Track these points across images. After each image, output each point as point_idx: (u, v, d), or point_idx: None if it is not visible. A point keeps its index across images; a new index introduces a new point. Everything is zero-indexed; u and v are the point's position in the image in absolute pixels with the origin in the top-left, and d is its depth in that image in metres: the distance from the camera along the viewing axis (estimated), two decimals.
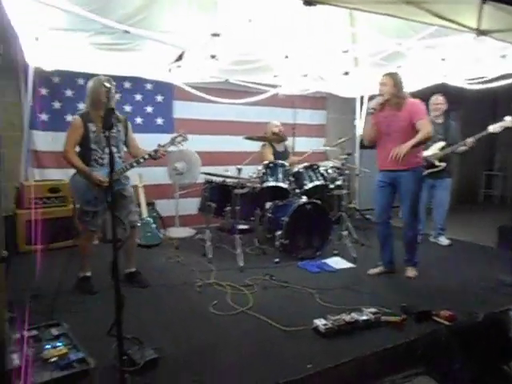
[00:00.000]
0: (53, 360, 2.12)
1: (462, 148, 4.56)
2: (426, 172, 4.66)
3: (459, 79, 4.89)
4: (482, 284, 3.48)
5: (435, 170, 4.63)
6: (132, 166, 3.23)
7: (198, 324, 2.73)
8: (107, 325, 1.97)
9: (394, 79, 3.42)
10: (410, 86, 5.22)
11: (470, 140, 4.49)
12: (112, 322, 1.95)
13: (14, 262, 3.18)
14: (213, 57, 3.68)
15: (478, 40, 3.11)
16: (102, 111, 3.05)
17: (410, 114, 3.38)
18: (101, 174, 3.05)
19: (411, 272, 3.69)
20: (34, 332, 2.38)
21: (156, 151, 3.23)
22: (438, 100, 4.71)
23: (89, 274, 3.32)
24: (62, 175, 4.85)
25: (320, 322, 2.58)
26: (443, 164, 4.64)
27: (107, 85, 2.05)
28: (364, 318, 2.67)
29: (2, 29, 2.51)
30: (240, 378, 2.08)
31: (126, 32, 3.46)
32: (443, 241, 4.91)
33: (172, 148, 3.50)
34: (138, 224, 3.50)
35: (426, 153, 4.65)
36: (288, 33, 3.66)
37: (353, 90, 5.94)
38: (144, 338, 2.36)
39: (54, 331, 2.42)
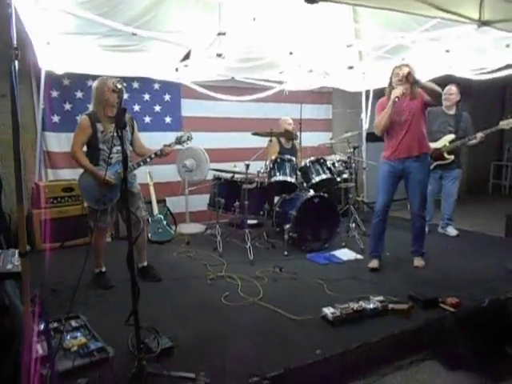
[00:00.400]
0: (74, 349, 2.25)
1: (472, 142, 4.56)
2: (434, 164, 4.71)
3: (464, 70, 4.91)
4: (490, 272, 3.53)
5: (444, 162, 4.66)
6: (139, 165, 3.32)
7: (211, 314, 2.83)
8: (123, 316, 2.07)
9: (412, 70, 3.42)
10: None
11: (479, 134, 4.48)
12: (129, 312, 2.04)
13: (31, 260, 3.30)
14: (219, 55, 3.74)
15: (481, 30, 3.15)
16: (110, 111, 3.19)
17: (421, 100, 3.47)
18: (107, 174, 3.11)
19: (419, 262, 3.75)
20: (55, 324, 2.50)
21: (161, 150, 3.31)
22: (451, 90, 4.67)
23: (104, 269, 3.43)
24: (74, 175, 4.94)
25: (328, 311, 2.66)
26: (452, 157, 4.66)
27: (118, 86, 2.13)
28: (371, 306, 2.74)
29: (19, 35, 2.59)
30: (251, 363, 2.16)
31: (134, 34, 3.57)
32: (451, 231, 4.94)
33: (178, 146, 3.58)
34: (148, 219, 3.59)
35: (436, 145, 4.69)
36: (292, 29, 3.72)
37: (358, 84, 5.98)
38: (159, 328, 2.45)
39: (74, 323, 2.56)
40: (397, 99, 3.36)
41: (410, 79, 3.34)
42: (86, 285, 3.28)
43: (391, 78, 3.52)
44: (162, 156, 3.37)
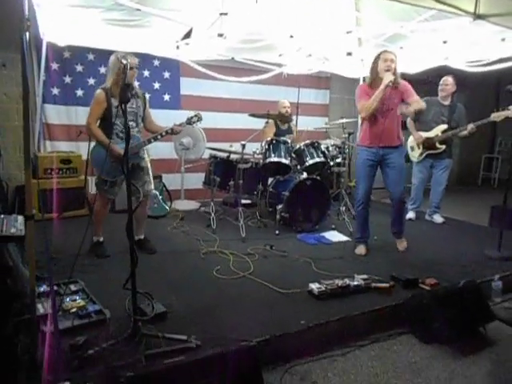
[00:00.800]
0: (73, 311, 2.39)
1: (464, 133, 4.66)
2: (426, 153, 4.85)
3: (460, 62, 5.00)
4: (469, 258, 3.70)
5: (435, 151, 4.79)
6: (150, 142, 3.40)
7: (203, 285, 2.97)
8: (119, 283, 2.22)
9: (396, 57, 3.51)
10: (411, 67, 5.39)
11: (470, 126, 4.58)
12: (125, 279, 2.18)
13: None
14: (220, 35, 3.79)
15: (477, 23, 3.25)
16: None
17: (404, 94, 3.54)
18: (120, 148, 3.20)
19: (402, 244, 3.89)
20: (55, 288, 2.63)
21: (172, 129, 3.40)
22: (447, 81, 4.77)
23: (102, 239, 3.55)
24: (72, 147, 5.07)
25: (314, 286, 2.81)
26: (443, 146, 4.79)
27: (123, 61, 2.21)
28: (355, 283, 2.90)
29: (30, 6, 2.63)
30: (240, 330, 2.31)
31: (137, 10, 3.61)
32: (437, 219, 5.11)
33: (188, 126, 3.67)
34: (152, 192, 3.71)
35: (428, 134, 4.82)
36: (294, 13, 3.77)
37: (356, 70, 6.04)
38: (153, 296, 2.59)
39: (73, 287, 2.69)
40: (391, 84, 3.38)
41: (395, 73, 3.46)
42: (84, 254, 3.39)
43: (376, 63, 3.53)
44: (172, 134, 3.48)
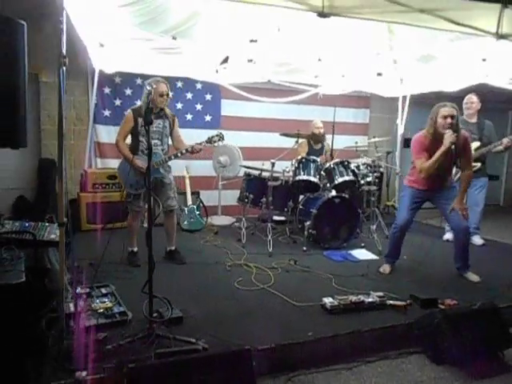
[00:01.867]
0: (100, 311, 2.64)
1: (499, 148, 4.56)
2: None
3: (501, 79, 4.87)
4: (502, 281, 3.56)
5: None
6: (170, 159, 3.69)
7: (222, 295, 3.14)
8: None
9: (457, 111, 3.37)
10: (449, 85, 5.32)
11: (505, 140, 4.49)
12: (146, 281, 2.40)
13: (77, 238, 3.77)
14: (250, 61, 4.04)
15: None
16: (154, 109, 3.58)
17: (463, 148, 3.41)
18: (141, 161, 3.52)
19: (473, 276, 3.66)
20: (88, 290, 2.92)
21: (192, 147, 3.64)
22: (472, 99, 4.75)
23: (135, 249, 3.85)
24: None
25: (327, 300, 2.88)
26: (478, 164, 4.67)
27: (148, 88, 2.49)
28: (370, 300, 2.93)
29: (71, 43, 3.02)
30: (247, 337, 2.42)
31: (174, 38, 3.95)
32: (477, 241, 4.93)
33: (208, 145, 3.89)
34: (181, 208, 3.96)
35: None
36: (320, 37, 3.92)
37: (394, 89, 6.05)
38: (173, 302, 2.76)
39: (103, 290, 2.96)
40: (453, 146, 3.24)
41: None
42: (119, 262, 3.70)
43: (435, 118, 3.37)
44: (192, 153, 3.70)
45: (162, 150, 3.71)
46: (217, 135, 3.74)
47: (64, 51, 2.11)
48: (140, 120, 3.57)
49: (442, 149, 3.27)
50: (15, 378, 1.83)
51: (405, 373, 2.44)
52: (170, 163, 3.79)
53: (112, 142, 5.54)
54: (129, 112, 3.70)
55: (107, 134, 5.54)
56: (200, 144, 3.69)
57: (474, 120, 4.76)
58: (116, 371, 1.99)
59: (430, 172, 3.39)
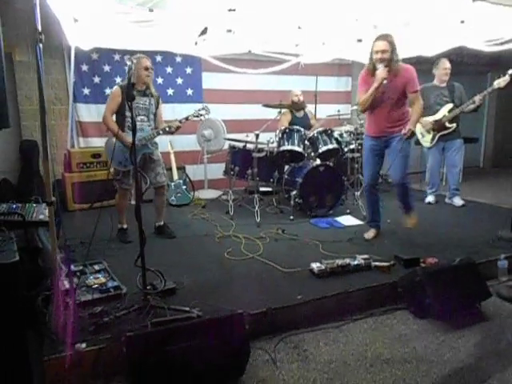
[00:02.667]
0: (94, 286, 2.70)
1: (471, 106, 4.71)
2: (437, 135, 4.87)
3: (477, 41, 4.92)
4: (480, 239, 3.73)
5: (447, 131, 4.81)
6: (159, 133, 3.71)
7: (213, 265, 3.22)
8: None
9: (391, 43, 3.32)
10: (429, 49, 5.34)
11: (477, 97, 4.63)
12: (137, 255, 2.46)
13: (64, 218, 3.78)
14: (229, 31, 3.99)
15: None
16: (140, 85, 3.62)
17: (406, 82, 3.38)
18: (129, 137, 3.49)
19: (411, 220, 3.73)
20: (81, 267, 2.97)
21: (170, 127, 3.70)
22: (447, 64, 4.85)
23: (125, 226, 3.89)
24: (103, 143, 5.43)
25: (315, 265, 2.99)
26: (454, 125, 4.83)
27: (128, 62, 2.47)
28: (356, 262, 3.05)
29: (48, 17, 2.94)
30: (240, 303, 2.51)
31: (151, 10, 3.87)
32: (457, 201, 5.09)
33: (196, 119, 3.92)
34: (168, 184, 3.99)
35: (436, 116, 4.87)
36: (298, 5, 3.88)
37: None
38: (166, 274, 2.84)
39: (96, 267, 3.03)
40: (385, 81, 3.28)
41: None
42: (110, 239, 3.73)
43: (372, 53, 3.39)
44: (172, 131, 3.76)
45: (149, 126, 3.71)
46: (203, 108, 3.78)
47: (39, 27, 2.07)
48: None
49: (375, 84, 3.31)
50: (18, 350, 1.89)
51: (390, 328, 2.59)
52: (156, 139, 3.79)
53: (93, 121, 5.51)
54: (116, 88, 3.67)
55: (88, 113, 5.46)
56: (187, 119, 3.72)
57: (444, 84, 4.90)
58: (114, 341, 2.07)
59: (365, 106, 3.46)
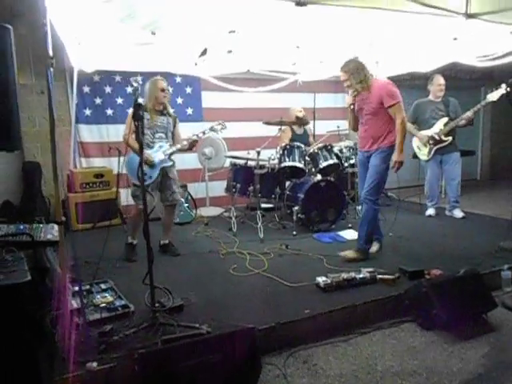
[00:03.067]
0: (102, 305, 2.71)
1: (464, 121, 4.83)
2: (434, 149, 4.96)
3: (470, 57, 5.04)
4: (482, 250, 3.76)
5: (443, 144, 4.91)
6: (177, 149, 3.81)
7: (219, 282, 3.24)
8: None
9: (348, 71, 3.54)
10: (422, 66, 5.47)
11: (468, 114, 4.78)
12: (146, 273, 2.48)
13: (68, 238, 3.80)
14: (229, 52, 4.09)
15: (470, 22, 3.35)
16: (157, 105, 3.76)
17: (379, 98, 3.42)
18: (149, 154, 3.64)
19: (349, 254, 3.65)
20: (88, 287, 2.98)
21: (197, 136, 3.88)
22: (441, 81, 4.99)
23: (135, 242, 3.88)
24: (104, 163, 5.51)
25: (321, 279, 3.01)
26: (450, 138, 4.93)
27: (134, 84, 2.54)
28: (361, 276, 3.07)
29: (53, 39, 3.02)
30: (248, 319, 2.52)
31: (153, 33, 3.97)
32: (457, 213, 5.14)
33: (210, 134, 4.00)
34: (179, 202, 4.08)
35: (432, 130, 4.97)
36: (297, 24, 3.98)
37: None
38: (173, 291, 2.85)
39: (103, 286, 3.03)
40: (352, 106, 3.63)
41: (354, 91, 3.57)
42: (115, 258, 3.73)
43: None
44: (190, 147, 3.91)
45: (167, 143, 3.82)
46: (219, 123, 3.94)
47: (51, 52, 2.14)
48: (145, 114, 3.62)
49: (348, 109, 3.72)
50: (30, 370, 1.89)
51: (398, 340, 2.60)
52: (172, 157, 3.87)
53: (95, 141, 5.58)
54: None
55: (90, 133, 5.53)
56: (203, 133, 3.88)
57: (439, 99, 5.04)
58: (127, 359, 2.08)
59: (350, 126, 3.87)
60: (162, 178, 3.81)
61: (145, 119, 3.61)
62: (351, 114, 3.76)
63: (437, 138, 4.90)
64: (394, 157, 3.47)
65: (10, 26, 1.88)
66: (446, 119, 4.92)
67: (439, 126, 4.94)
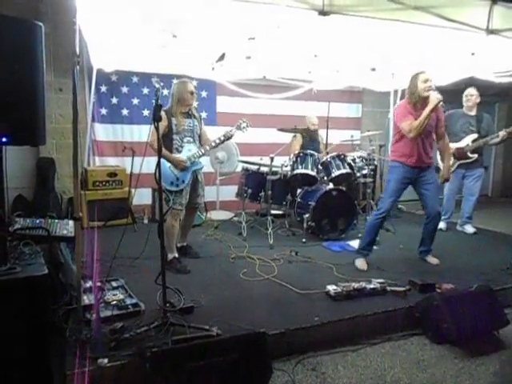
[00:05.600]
0: (113, 303, 2.72)
1: (495, 140, 4.74)
2: (457, 163, 4.91)
3: (487, 73, 5.03)
4: (494, 266, 3.73)
5: (467, 161, 4.85)
6: (206, 150, 3.72)
7: (229, 286, 3.24)
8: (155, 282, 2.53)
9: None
10: (438, 79, 5.46)
11: (502, 133, 4.66)
12: (158, 272, 2.50)
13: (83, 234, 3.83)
14: (248, 58, 4.12)
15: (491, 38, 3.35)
16: (184, 108, 3.70)
17: (438, 120, 3.61)
18: (180, 157, 3.57)
19: (433, 259, 3.86)
20: (99, 284, 2.99)
21: (228, 133, 3.78)
22: (472, 92, 4.90)
23: (177, 255, 3.71)
24: (117, 162, 5.56)
25: (331, 288, 3.01)
26: (475, 155, 4.84)
27: (156, 85, 2.57)
28: (371, 286, 3.06)
29: (80, 42, 3.08)
30: (258, 323, 2.52)
31: (174, 36, 4.02)
32: (469, 229, 5.11)
33: (238, 132, 3.95)
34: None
35: (459, 144, 4.90)
36: (316, 33, 4.01)
37: (387, 84, 6.19)
38: (183, 293, 2.86)
39: (114, 284, 3.05)
40: (441, 102, 3.37)
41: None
42: (126, 256, 3.72)
43: (415, 85, 3.49)
44: (227, 139, 3.84)
45: (195, 146, 3.75)
46: (244, 121, 3.89)
47: (78, 51, 2.18)
48: (173, 119, 3.61)
49: (430, 106, 3.34)
50: (42, 362, 1.91)
51: (407, 353, 2.58)
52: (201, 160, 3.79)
53: (110, 140, 5.64)
54: (161, 113, 3.72)
55: (105, 133, 5.60)
56: (230, 131, 3.80)
57: (473, 113, 4.93)
58: (137, 357, 2.09)
59: (419, 131, 3.41)
60: (193, 180, 3.71)
61: (172, 124, 3.63)
62: (429, 114, 3.43)
63: (462, 152, 4.83)
64: (444, 173, 3.79)
65: (41, 24, 1.91)
66: (475, 135, 4.81)
67: (467, 141, 4.84)
